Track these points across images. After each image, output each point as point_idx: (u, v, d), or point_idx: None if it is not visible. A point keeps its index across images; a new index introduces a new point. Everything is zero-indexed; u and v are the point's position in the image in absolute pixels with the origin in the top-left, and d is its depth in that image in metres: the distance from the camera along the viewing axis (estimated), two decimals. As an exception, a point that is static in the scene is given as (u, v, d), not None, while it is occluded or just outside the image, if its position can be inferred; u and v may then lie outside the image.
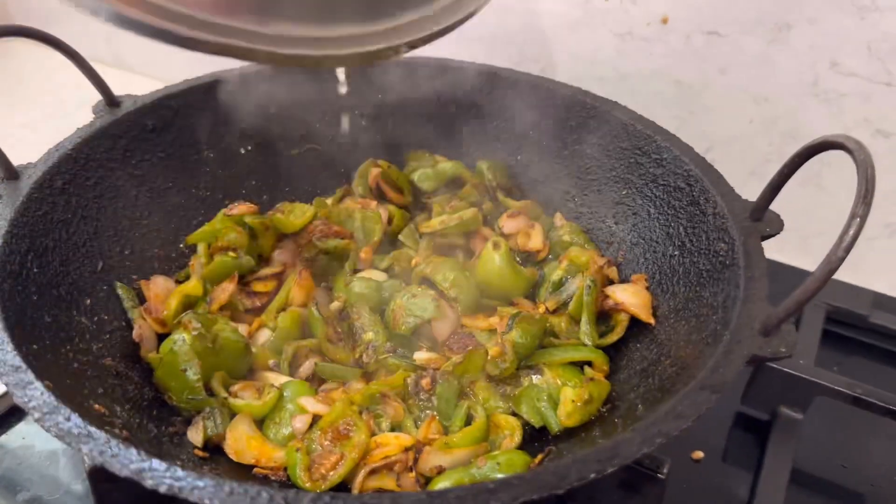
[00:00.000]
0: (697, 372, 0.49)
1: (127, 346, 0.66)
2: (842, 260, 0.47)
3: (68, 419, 0.44)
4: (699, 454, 0.72)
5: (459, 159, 0.86)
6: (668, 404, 0.45)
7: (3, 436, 0.73)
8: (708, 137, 0.96)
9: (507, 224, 0.79)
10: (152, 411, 0.60)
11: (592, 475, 0.41)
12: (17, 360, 0.48)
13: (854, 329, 0.86)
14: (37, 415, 0.44)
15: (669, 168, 0.70)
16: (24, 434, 0.74)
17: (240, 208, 0.78)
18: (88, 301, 0.65)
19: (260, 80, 0.82)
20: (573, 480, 0.41)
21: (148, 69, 1.46)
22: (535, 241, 0.78)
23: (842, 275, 0.89)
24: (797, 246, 0.97)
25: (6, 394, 0.75)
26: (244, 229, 0.76)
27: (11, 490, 0.68)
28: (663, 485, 0.60)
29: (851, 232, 0.47)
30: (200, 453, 0.58)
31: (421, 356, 0.68)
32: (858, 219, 0.47)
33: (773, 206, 0.61)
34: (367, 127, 0.88)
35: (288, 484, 0.57)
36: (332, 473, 0.56)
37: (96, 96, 0.76)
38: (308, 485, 0.55)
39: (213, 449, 0.60)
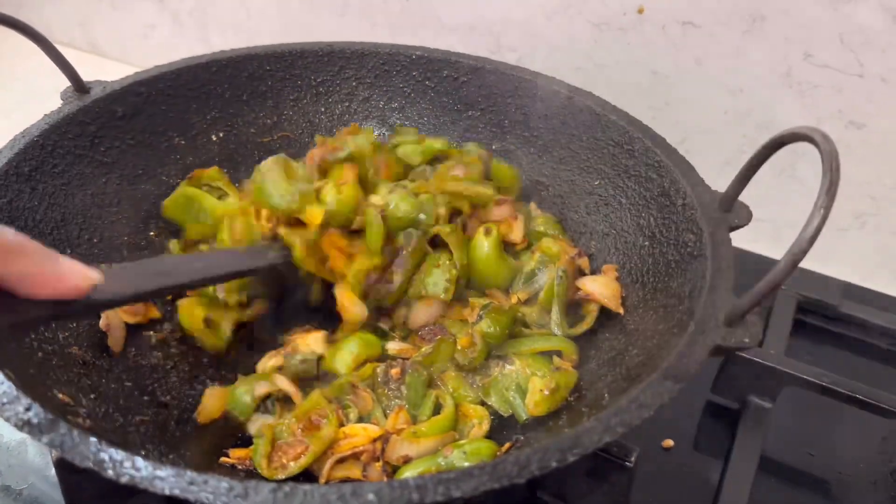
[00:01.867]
0: (662, 362, 0.49)
1: (94, 335, 0.65)
2: (805, 251, 0.47)
3: (28, 409, 0.44)
4: (669, 442, 0.73)
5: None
6: (631, 394, 0.46)
7: (-31, 426, 0.73)
8: (683, 128, 0.96)
9: (495, 211, 0.78)
10: (119, 401, 0.59)
11: (553, 464, 0.41)
12: (-23, 350, 0.47)
13: (825, 319, 0.87)
14: (-5, 404, 0.44)
15: (641, 159, 0.70)
16: (-9, 424, 0.73)
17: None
18: (55, 290, 0.64)
19: (230, 67, 0.82)
20: (534, 469, 0.41)
21: (122, 55, 1.45)
22: (517, 234, 0.77)
23: (813, 265, 0.91)
24: (771, 236, 0.97)
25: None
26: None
27: (-23, 481, 0.68)
28: (631, 473, 0.60)
29: (815, 223, 0.47)
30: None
31: (392, 346, 0.68)
32: (823, 210, 0.47)
33: (748, 197, 0.62)
34: (340, 114, 0.88)
35: (254, 474, 0.57)
36: (292, 463, 0.56)
37: (68, 82, 0.75)
38: (266, 472, 0.55)
39: (183, 442, 0.60)
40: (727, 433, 0.73)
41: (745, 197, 0.62)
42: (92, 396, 0.56)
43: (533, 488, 0.66)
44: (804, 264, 0.89)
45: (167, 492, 0.39)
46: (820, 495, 0.70)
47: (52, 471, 0.68)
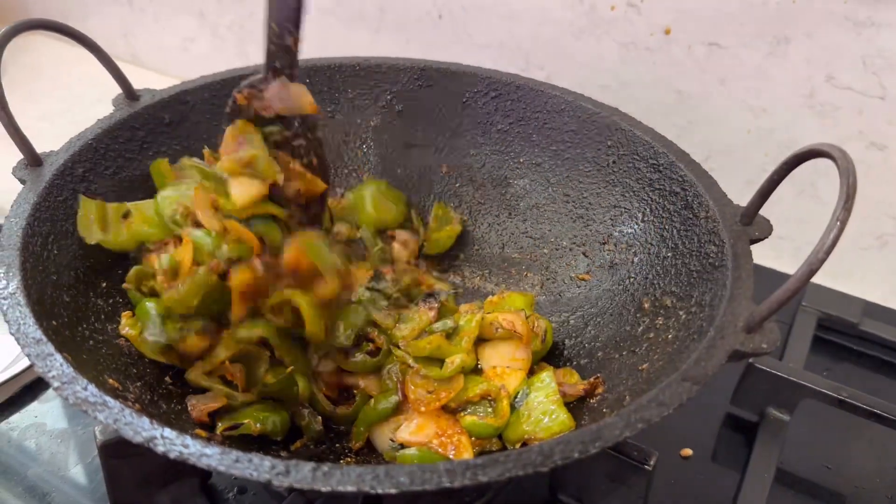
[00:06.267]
0: (681, 365, 0.51)
1: (140, 329, 0.68)
2: (822, 262, 0.49)
3: (85, 389, 0.47)
4: (688, 451, 0.75)
5: (460, 161, 0.90)
6: (651, 394, 0.48)
7: (17, 414, 0.76)
8: (707, 146, 0.99)
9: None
10: (162, 389, 0.62)
11: (576, 455, 0.43)
12: (39, 334, 0.51)
13: (844, 336, 0.88)
14: (56, 384, 0.47)
15: (665, 173, 0.72)
16: (36, 413, 0.77)
17: None
18: (104, 284, 0.67)
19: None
20: (557, 460, 0.43)
21: (162, 66, 1.50)
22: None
23: (834, 283, 0.92)
24: (791, 254, 0.99)
25: (20, 374, 0.78)
26: None
27: (23, 465, 0.71)
28: (650, 476, 0.62)
29: (832, 236, 0.49)
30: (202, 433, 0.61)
31: None
32: (839, 223, 0.49)
33: (770, 216, 0.64)
34: (375, 127, 0.91)
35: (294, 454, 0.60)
36: None
37: (111, 92, 0.78)
38: None
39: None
40: (745, 445, 0.75)
41: (768, 216, 0.64)
42: (138, 384, 0.59)
43: (554, 490, 0.68)
44: (825, 282, 0.92)
45: (213, 467, 0.42)
46: (836, 509, 0.71)
47: (93, 459, 0.71)
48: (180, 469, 0.60)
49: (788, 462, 0.74)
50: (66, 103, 1.34)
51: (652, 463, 0.62)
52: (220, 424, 0.61)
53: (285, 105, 0.63)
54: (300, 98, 0.63)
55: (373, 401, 0.64)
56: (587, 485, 0.66)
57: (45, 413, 0.77)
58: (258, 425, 0.60)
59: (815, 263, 0.49)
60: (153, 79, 1.46)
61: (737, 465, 0.73)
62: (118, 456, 0.60)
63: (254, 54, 1.35)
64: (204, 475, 0.67)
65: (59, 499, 0.68)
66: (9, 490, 0.69)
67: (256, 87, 0.64)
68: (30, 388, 0.79)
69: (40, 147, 0.70)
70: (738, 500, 0.68)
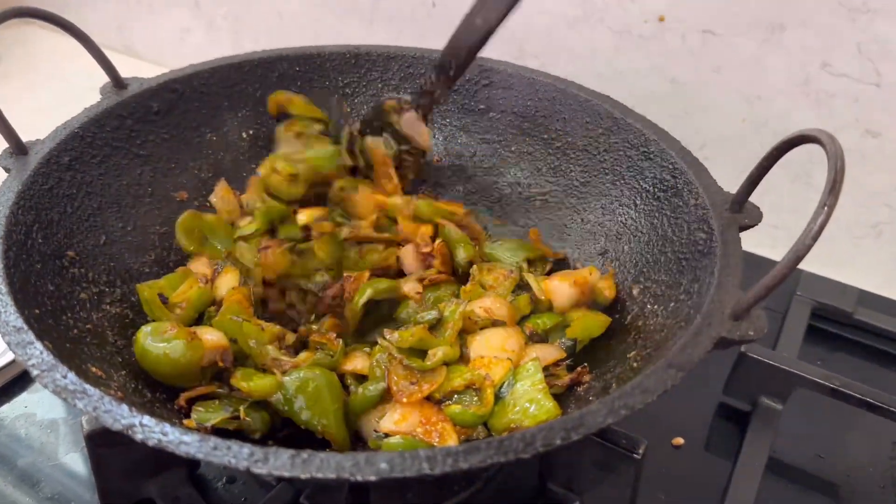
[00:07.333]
0: (668, 353, 0.51)
1: (125, 319, 0.68)
2: (809, 248, 0.49)
3: (65, 376, 0.46)
4: (679, 440, 0.74)
5: (451, 150, 0.89)
6: (636, 381, 0.47)
7: (6, 405, 0.76)
8: (702, 135, 0.98)
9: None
10: (147, 378, 0.62)
11: (558, 441, 0.43)
12: (20, 322, 0.50)
13: (839, 325, 0.88)
14: (36, 372, 0.47)
15: (656, 161, 0.72)
16: (26, 403, 0.77)
17: None
18: (90, 274, 0.67)
19: (261, 68, 0.85)
20: (539, 447, 0.42)
21: (157, 58, 1.49)
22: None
23: (829, 272, 0.92)
24: (787, 242, 0.96)
25: (8, 365, 0.78)
26: None
27: (12, 456, 0.71)
28: (639, 464, 0.62)
29: (819, 221, 0.48)
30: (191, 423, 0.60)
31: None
32: (826, 208, 0.49)
33: (766, 205, 0.63)
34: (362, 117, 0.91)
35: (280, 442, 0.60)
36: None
37: (105, 81, 0.78)
38: None
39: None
40: (738, 434, 0.74)
41: (763, 205, 0.63)
42: (123, 372, 0.59)
43: (543, 479, 0.68)
44: (819, 271, 0.91)
45: (192, 454, 0.42)
46: (828, 497, 0.70)
47: (82, 450, 0.71)
48: (168, 458, 0.60)
49: (781, 451, 0.74)
50: (61, 94, 1.34)
51: (641, 451, 0.61)
52: (193, 416, 0.60)
53: (410, 132, 0.78)
54: (423, 135, 0.79)
55: (360, 389, 0.63)
56: (577, 473, 0.66)
57: (35, 403, 0.77)
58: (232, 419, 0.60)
59: (801, 250, 0.49)
60: (148, 70, 1.45)
61: (729, 455, 0.72)
62: (105, 445, 0.60)
63: (248, 45, 1.34)
64: (192, 465, 0.67)
65: (50, 487, 0.68)
66: (1, 477, 0.69)
67: (401, 105, 0.78)
68: (20, 378, 0.79)
69: (35, 138, 0.69)
70: (729, 489, 0.68)
